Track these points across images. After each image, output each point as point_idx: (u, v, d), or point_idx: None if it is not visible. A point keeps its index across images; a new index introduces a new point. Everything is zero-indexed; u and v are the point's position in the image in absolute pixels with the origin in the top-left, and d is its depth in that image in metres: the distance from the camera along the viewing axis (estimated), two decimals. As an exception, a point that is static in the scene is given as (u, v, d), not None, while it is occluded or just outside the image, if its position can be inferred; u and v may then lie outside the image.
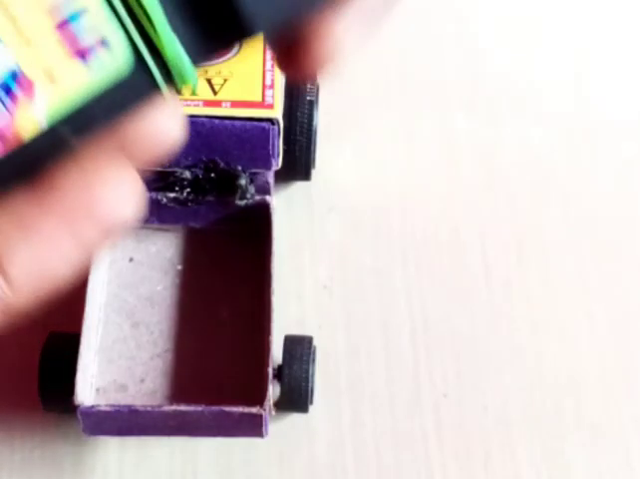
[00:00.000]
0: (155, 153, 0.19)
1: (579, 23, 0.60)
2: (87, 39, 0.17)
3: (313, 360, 0.44)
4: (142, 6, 0.17)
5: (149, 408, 0.40)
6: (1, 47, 0.17)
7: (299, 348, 0.44)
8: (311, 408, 0.45)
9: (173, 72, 0.18)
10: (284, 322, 0.46)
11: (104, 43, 0.17)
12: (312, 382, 0.44)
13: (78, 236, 0.18)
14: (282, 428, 0.45)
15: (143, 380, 0.44)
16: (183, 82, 0.19)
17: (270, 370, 0.41)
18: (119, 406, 0.40)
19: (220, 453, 0.45)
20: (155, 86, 0.18)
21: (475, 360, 0.48)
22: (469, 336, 0.48)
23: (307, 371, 0.43)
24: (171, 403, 0.42)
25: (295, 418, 0.45)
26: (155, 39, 0.18)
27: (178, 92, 0.19)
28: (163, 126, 0.19)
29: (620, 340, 0.49)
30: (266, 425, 0.41)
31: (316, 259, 0.50)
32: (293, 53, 0.20)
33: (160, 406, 0.41)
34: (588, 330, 0.49)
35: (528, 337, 0.49)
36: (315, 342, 0.45)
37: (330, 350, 0.47)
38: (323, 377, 0.46)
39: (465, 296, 0.50)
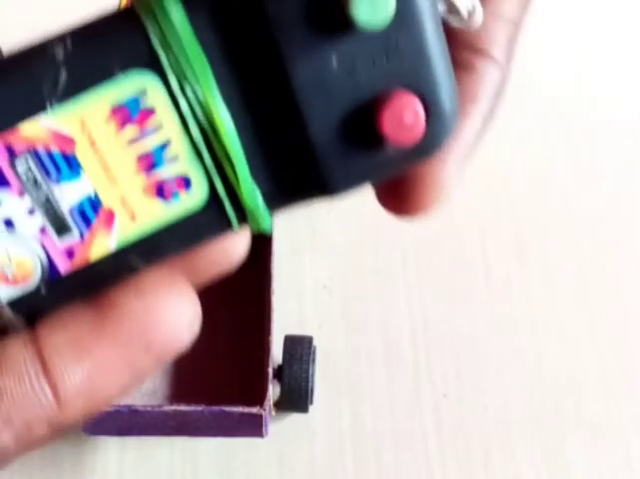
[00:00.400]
0: (216, 274, 0.19)
1: (580, 22, 0.60)
2: (167, 175, 0.18)
3: (313, 360, 0.44)
4: (224, 148, 0.18)
5: (149, 408, 0.40)
6: (83, 176, 0.17)
7: (299, 348, 0.44)
8: (311, 408, 0.45)
9: (248, 215, 0.19)
10: (284, 322, 0.46)
11: (184, 180, 0.18)
12: (312, 382, 0.44)
13: (131, 361, 0.18)
14: (282, 428, 0.45)
15: (143, 380, 0.44)
16: (257, 226, 0.19)
17: (270, 370, 0.41)
18: (119, 406, 0.40)
19: (220, 453, 0.45)
20: (227, 224, 0.19)
21: (475, 360, 0.48)
22: (469, 336, 0.48)
23: (307, 371, 0.43)
24: (171, 403, 0.42)
25: (295, 418, 0.45)
26: (233, 181, 0.18)
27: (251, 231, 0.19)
28: (229, 250, 0.19)
29: (620, 340, 0.49)
30: (266, 425, 0.41)
31: (316, 259, 0.51)
32: (395, 195, 0.21)
33: (160, 406, 0.41)
34: (588, 330, 0.49)
35: (528, 337, 0.49)
36: (315, 342, 0.45)
37: (330, 350, 0.47)
38: (323, 377, 0.46)
39: (465, 297, 0.50)
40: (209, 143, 0.18)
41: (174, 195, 0.18)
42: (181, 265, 0.19)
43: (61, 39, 0.17)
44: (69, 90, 0.17)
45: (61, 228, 0.18)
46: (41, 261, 0.18)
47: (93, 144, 0.17)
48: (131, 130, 0.17)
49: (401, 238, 0.51)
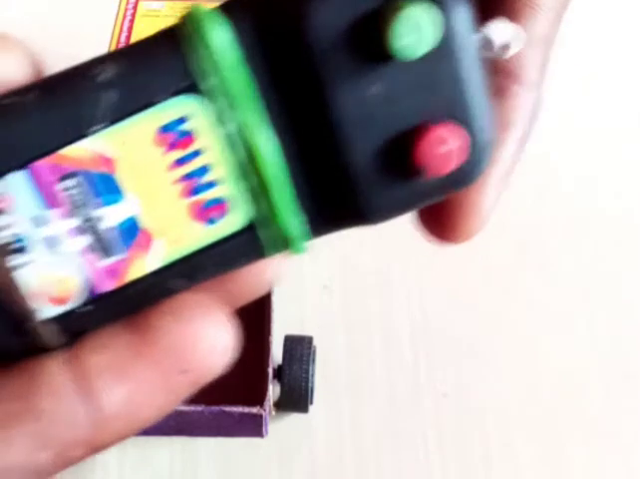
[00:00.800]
0: (251, 297, 0.20)
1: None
2: (208, 199, 0.18)
3: (313, 360, 0.44)
4: (266, 174, 0.18)
5: (149, 408, 0.40)
6: (126, 198, 0.18)
7: (299, 348, 0.44)
8: (311, 408, 0.45)
9: (287, 240, 0.19)
10: (284, 322, 0.46)
11: (224, 205, 0.18)
12: (312, 382, 0.44)
13: (168, 384, 0.18)
14: (282, 428, 0.45)
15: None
16: (293, 250, 0.19)
17: (270, 370, 0.41)
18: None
19: (220, 453, 0.45)
20: (262, 249, 0.19)
21: (474, 360, 0.48)
22: (469, 336, 0.48)
23: (307, 371, 0.43)
24: (171, 403, 0.42)
25: (295, 418, 0.45)
26: (273, 207, 0.18)
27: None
28: (264, 273, 0.19)
29: (620, 340, 0.49)
30: (266, 425, 0.41)
31: (316, 259, 0.51)
32: (436, 222, 0.21)
33: (160, 406, 0.41)
34: (588, 330, 0.49)
35: (528, 337, 0.49)
36: (315, 342, 0.45)
37: (330, 350, 0.47)
38: (323, 377, 0.46)
39: (465, 297, 0.50)
40: (251, 168, 0.18)
41: (214, 218, 0.18)
42: (218, 288, 0.19)
43: (105, 62, 0.17)
44: (115, 113, 0.17)
45: (103, 248, 0.18)
46: (83, 281, 0.18)
47: (136, 166, 0.18)
48: (174, 153, 0.18)
49: (401, 238, 0.51)
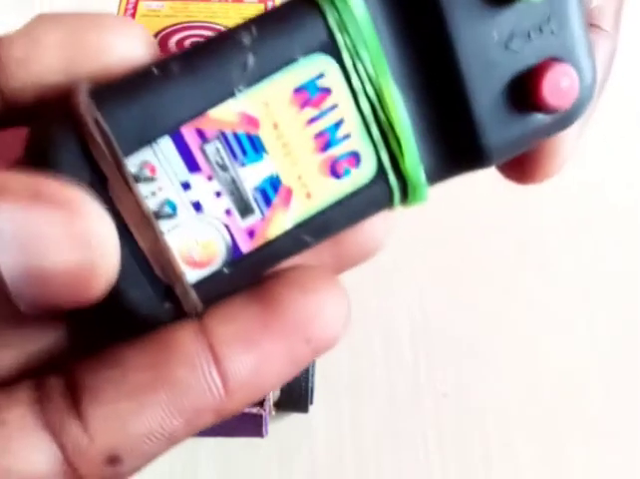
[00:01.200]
0: (361, 260, 0.21)
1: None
2: (340, 152, 0.19)
3: (313, 361, 0.44)
4: (392, 123, 0.19)
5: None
6: (266, 157, 0.18)
7: (299, 348, 0.44)
8: (311, 408, 0.45)
9: (409, 187, 0.20)
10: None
11: (355, 157, 0.19)
12: (312, 382, 0.44)
13: (293, 354, 0.19)
14: (282, 428, 0.45)
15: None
16: (415, 199, 0.20)
17: (270, 370, 0.41)
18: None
19: (220, 453, 0.45)
20: (389, 198, 0.20)
21: (474, 360, 0.48)
22: (469, 336, 0.48)
23: (307, 371, 0.43)
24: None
25: (295, 418, 0.45)
26: (399, 155, 0.19)
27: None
28: (372, 235, 0.20)
29: (620, 340, 0.49)
30: (266, 425, 0.41)
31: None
32: (519, 165, 0.22)
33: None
34: (588, 331, 0.49)
35: (528, 337, 0.49)
36: (315, 342, 0.45)
37: (330, 350, 0.47)
38: (323, 377, 0.46)
39: (465, 296, 0.50)
40: (378, 118, 0.19)
41: (346, 171, 0.19)
42: (330, 252, 0.20)
43: (247, 27, 0.18)
44: (256, 74, 0.18)
45: (244, 208, 0.18)
46: (225, 243, 0.18)
47: (276, 125, 0.18)
48: (309, 110, 0.18)
49: (401, 237, 0.51)
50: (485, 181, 0.54)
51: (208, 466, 0.44)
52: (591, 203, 0.53)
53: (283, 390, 0.43)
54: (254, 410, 0.40)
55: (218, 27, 0.32)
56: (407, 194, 0.20)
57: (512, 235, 0.52)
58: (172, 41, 0.32)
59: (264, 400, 0.40)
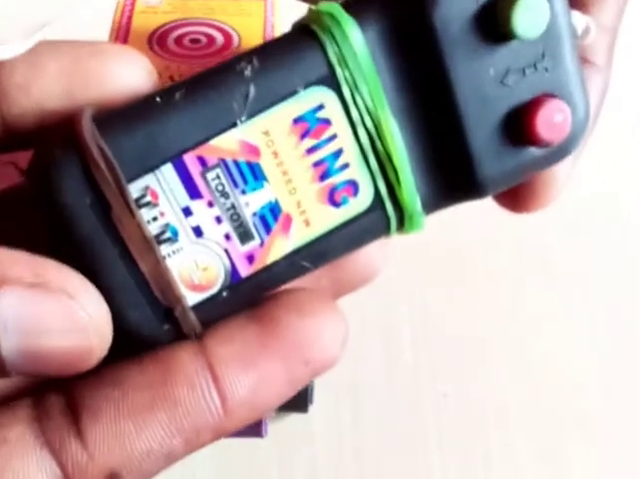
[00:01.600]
0: (361, 283, 0.21)
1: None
2: (339, 181, 0.19)
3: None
4: (390, 153, 0.19)
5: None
6: (267, 185, 0.19)
7: (299, 348, 0.44)
8: (311, 408, 0.45)
9: (406, 216, 0.20)
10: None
11: (353, 186, 0.19)
12: (312, 382, 0.44)
13: (291, 375, 0.19)
14: (282, 428, 0.45)
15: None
16: (412, 227, 0.21)
17: (270, 370, 0.41)
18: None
19: (220, 453, 0.45)
20: (386, 226, 0.20)
21: (475, 360, 0.48)
22: (469, 336, 0.48)
23: (307, 371, 0.43)
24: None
25: (295, 418, 0.45)
26: (395, 185, 0.20)
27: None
28: (373, 260, 0.21)
29: (620, 341, 0.49)
30: (266, 425, 0.41)
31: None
32: (514, 195, 0.23)
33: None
34: (588, 330, 0.49)
35: (528, 337, 0.49)
36: (315, 342, 0.45)
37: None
38: (323, 377, 0.46)
39: (465, 297, 0.50)
40: (376, 149, 0.19)
41: (344, 199, 0.19)
42: (329, 277, 0.21)
43: (248, 57, 0.19)
44: (257, 105, 0.18)
45: (244, 234, 0.19)
46: (224, 267, 0.19)
47: (276, 154, 0.19)
48: (309, 140, 0.19)
49: (401, 238, 0.51)
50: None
51: (208, 466, 0.44)
52: (592, 203, 0.53)
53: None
54: (254, 410, 0.40)
55: (217, 24, 0.32)
56: (403, 222, 0.20)
57: (512, 235, 0.52)
58: (171, 38, 0.32)
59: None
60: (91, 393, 0.18)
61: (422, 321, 0.49)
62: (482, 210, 0.52)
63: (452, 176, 0.20)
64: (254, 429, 0.41)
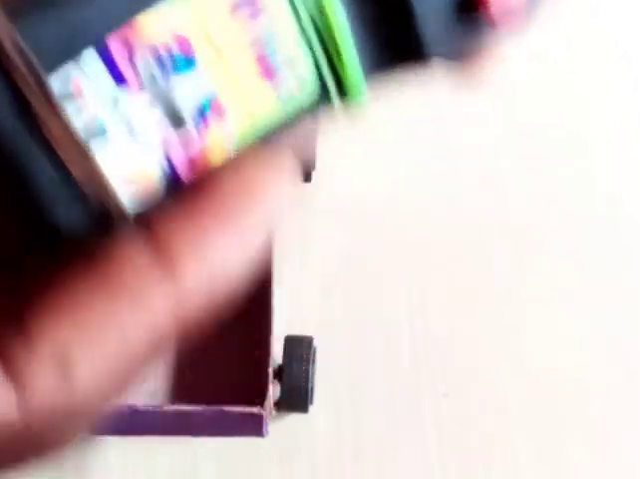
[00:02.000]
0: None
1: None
2: (278, 59, 0.18)
3: (313, 361, 0.44)
4: (329, 21, 0.18)
5: (149, 408, 0.40)
6: (199, 67, 0.18)
7: (299, 348, 0.44)
8: (311, 408, 0.45)
9: (346, 83, 0.19)
10: (284, 322, 0.46)
11: (292, 62, 0.18)
12: (312, 382, 0.44)
13: (242, 236, 0.18)
14: (282, 428, 0.45)
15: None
16: (354, 95, 0.19)
17: (270, 370, 0.41)
18: (119, 406, 0.40)
19: (220, 453, 0.45)
20: (327, 98, 0.19)
21: (475, 360, 0.48)
22: (469, 336, 0.48)
23: (307, 371, 0.43)
24: (172, 403, 0.42)
25: (295, 418, 0.45)
26: (332, 45, 0.19)
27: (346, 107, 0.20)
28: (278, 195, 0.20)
29: (620, 341, 0.49)
30: (266, 425, 0.41)
31: (316, 260, 0.51)
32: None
33: (160, 406, 0.41)
34: (588, 331, 0.49)
35: (528, 338, 0.49)
36: (315, 343, 0.45)
37: (330, 350, 0.47)
38: (323, 377, 0.46)
39: (465, 297, 0.50)
40: (316, 21, 0.18)
41: (284, 78, 0.18)
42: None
43: None
44: None
45: (177, 120, 0.18)
46: (158, 157, 0.18)
47: (207, 32, 0.18)
48: (243, 15, 0.18)
49: (401, 238, 0.51)
50: (486, 181, 0.54)
51: (208, 466, 0.44)
52: (592, 203, 0.53)
53: (283, 390, 0.43)
54: (254, 410, 0.40)
55: None
56: (344, 88, 0.19)
57: (513, 235, 0.52)
58: None
59: (264, 400, 0.40)
60: (42, 300, 0.17)
61: (422, 322, 0.49)
62: (483, 210, 0.53)
63: (391, 34, 0.19)
64: (254, 429, 0.41)
